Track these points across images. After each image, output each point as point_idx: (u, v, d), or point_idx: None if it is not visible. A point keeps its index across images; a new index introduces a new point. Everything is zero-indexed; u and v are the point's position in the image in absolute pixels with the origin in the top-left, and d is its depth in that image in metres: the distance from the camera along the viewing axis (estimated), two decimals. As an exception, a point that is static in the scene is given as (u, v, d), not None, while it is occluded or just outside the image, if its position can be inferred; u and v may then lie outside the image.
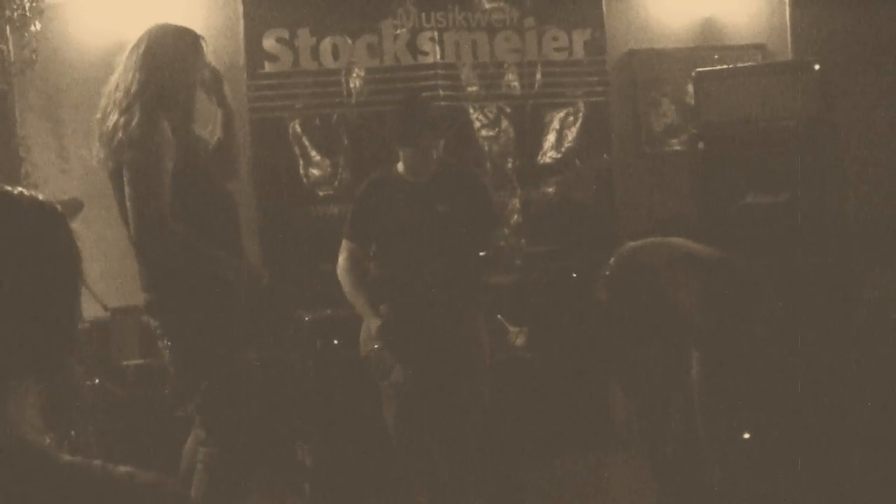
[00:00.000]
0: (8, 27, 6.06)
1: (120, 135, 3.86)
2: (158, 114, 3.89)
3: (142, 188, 3.81)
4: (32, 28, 6.11)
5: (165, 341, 4.04)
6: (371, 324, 4.58)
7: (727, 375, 4.82)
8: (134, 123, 3.84)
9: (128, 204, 3.83)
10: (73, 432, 5.25)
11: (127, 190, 3.83)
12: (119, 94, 3.95)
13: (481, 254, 4.58)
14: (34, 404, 1.46)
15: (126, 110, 3.88)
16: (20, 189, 1.48)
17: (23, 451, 1.41)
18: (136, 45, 4.06)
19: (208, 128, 4.37)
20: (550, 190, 7.27)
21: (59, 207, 1.49)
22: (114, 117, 3.91)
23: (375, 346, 4.56)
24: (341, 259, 4.77)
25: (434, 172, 4.66)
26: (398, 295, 4.57)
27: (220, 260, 3.97)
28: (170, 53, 4.04)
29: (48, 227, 1.46)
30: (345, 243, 4.80)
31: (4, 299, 1.39)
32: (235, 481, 4.18)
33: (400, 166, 4.73)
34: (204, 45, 4.19)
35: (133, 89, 3.92)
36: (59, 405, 5.12)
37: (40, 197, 1.49)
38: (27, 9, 6.06)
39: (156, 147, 3.84)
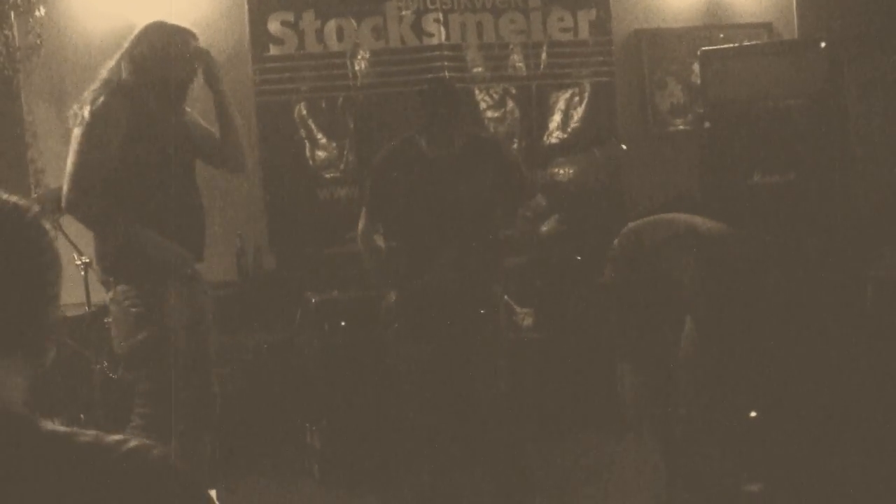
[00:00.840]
0: (13, 13, 6.06)
1: (75, 109, 4.08)
2: (120, 100, 4.02)
3: (74, 159, 3.99)
4: (37, 13, 6.11)
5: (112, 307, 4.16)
6: (388, 296, 4.58)
7: (725, 351, 4.83)
8: (88, 102, 4.02)
9: None
10: (82, 416, 5.28)
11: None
12: (95, 84, 4.12)
13: (507, 232, 4.54)
14: (20, 384, 1.54)
15: (92, 93, 4.06)
16: None
17: (9, 421, 1.48)
18: (128, 41, 4.21)
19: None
20: (557, 170, 7.27)
21: (34, 207, 1.60)
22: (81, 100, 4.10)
23: (395, 325, 4.55)
24: (361, 225, 4.72)
25: (459, 146, 4.59)
26: (416, 274, 4.55)
27: (149, 241, 4.01)
28: (154, 48, 4.13)
29: (18, 226, 1.56)
30: (365, 211, 4.75)
31: None
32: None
33: (423, 140, 4.67)
34: (193, 41, 4.25)
35: (104, 76, 4.12)
36: (66, 389, 5.16)
37: (10, 198, 1.58)
38: (32, -6, 6.07)
39: (100, 126, 3.97)
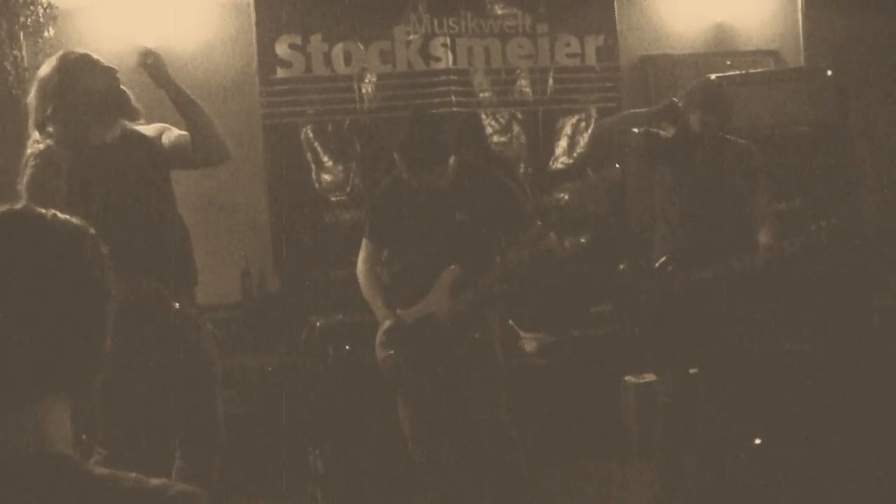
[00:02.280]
0: (22, 33, 6.08)
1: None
2: (48, 160, 3.78)
3: None
4: (46, 34, 6.13)
5: None
6: (383, 324, 4.57)
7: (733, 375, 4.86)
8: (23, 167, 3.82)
9: None
10: (84, 436, 5.26)
11: None
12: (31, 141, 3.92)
13: (497, 259, 4.52)
14: (67, 418, 1.50)
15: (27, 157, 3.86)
16: (53, 212, 1.51)
17: (55, 463, 1.44)
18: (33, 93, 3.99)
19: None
20: (563, 196, 7.27)
21: (91, 230, 1.53)
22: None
23: (390, 352, 4.54)
24: (361, 257, 4.73)
25: (454, 176, 4.57)
26: (413, 300, 4.55)
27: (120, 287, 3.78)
28: (62, 78, 3.87)
29: (79, 249, 1.49)
30: (365, 242, 4.75)
31: (39, 320, 1.42)
32: None
33: (415, 171, 4.62)
34: (77, 60, 3.92)
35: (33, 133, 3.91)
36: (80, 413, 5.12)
37: (73, 220, 1.52)
38: (41, 15, 6.09)
39: (33, 177, 3.76)
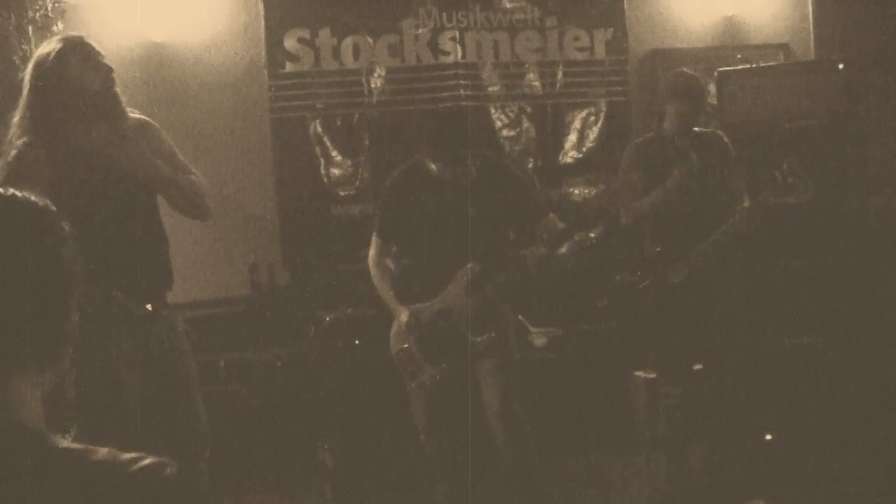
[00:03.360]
0: (30, 27, 6.07)
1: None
2: (29, 155, 3.73)
3: None
4: (55, 28, 6.12)
5: None
6: (399, 319, 4.55)
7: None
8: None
9: None
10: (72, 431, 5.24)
11: None
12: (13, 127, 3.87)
13: (522, 252, 4.50)
14: (37, 395, 1.51)
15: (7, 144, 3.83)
16: (12, 190, 1.52)
17: (22, 435, 1.46)
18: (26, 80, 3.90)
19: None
20: (572, 190, 7.26)
21: (52, 207, 1.54)
22: None
23: (405, 346, 4.53)
24: (372, 251, 4.70)
25: (469, 172, 4.55)
26: (425, 294, 4.53)
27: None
28: (43, 71, 3.78)
29: (41, 226, 1.51)
30: (375, 238, 4.73)
31: (1, 297, 1.45)
32: None
33: (432, 162, 4.60)
34: (78, 49, 3.83)
35: (15, 122, 3.85)
36: (61, 399, 5.11)
37: (33, 198, 1.52)
38: (49, 9, 6.08)
39: (9, 174, 3.70)
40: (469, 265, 4.45)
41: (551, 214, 4.64)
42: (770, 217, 4.97)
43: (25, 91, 3.84)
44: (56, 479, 1.43)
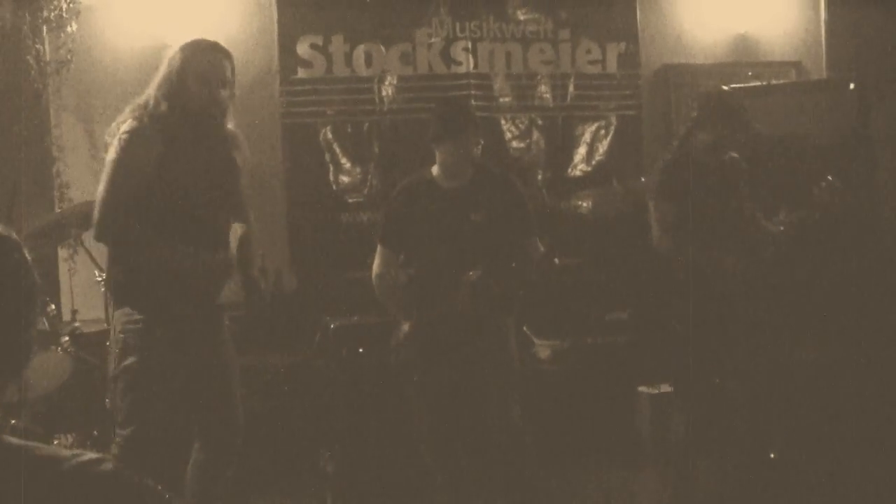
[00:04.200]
0: (45, 27, 6.10)
1: (107, 136, 4.05)
2: (149, 128, 3.93)
3: (104, 187, 3.92)
4: (69, 29, 6.15)
5: (119, 335, 3.99)
6: (402, 327, 4.56)
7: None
8: (118, 129, 3.95)
9: None
10: (95, 432, 5.26)
11: None
12: (129, 108, 4.05)
13: (513, 265, 4.52)
14: None
15: (124, 118, 3.99)
16: None
17: None
18: (164, 63, 4.09)
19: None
20: (581, 203, 7.25)
21: (11, 234, 1.62)
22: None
23: (408, 353, 4.53)
24: (376, 263, 4.74)
25: (470, 177, 4.61)
26: (430, 302, 4.54)
27: (175, 253, 3.91)
28: (187, 73, 3.98)
29: (5, 255, 1.60)
30: (380, 248, 4.76)
31: None
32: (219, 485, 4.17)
33: (435, 170, 4.66)
34: (226, 61, 4.06)
35: (139, 101, 4.03)
36: (81, 405, 5.15)
37: None
38: (64, 10, 6.11)
39: (129, 155, 3.89)
40: (472, 272, 4.47)
41: (537, 239, 4.67)
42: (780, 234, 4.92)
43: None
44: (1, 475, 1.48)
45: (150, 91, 4.00)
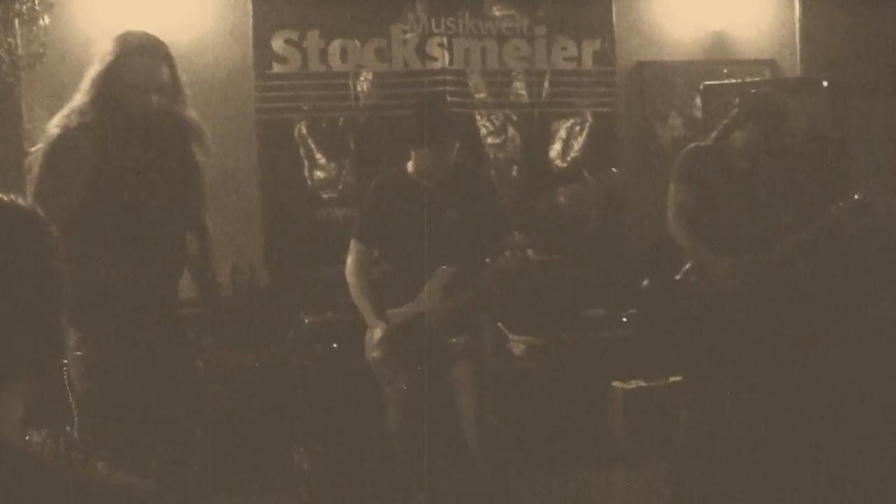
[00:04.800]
0: (17, 21, 6.05)
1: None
2: (73, 129, 3.74)
3: (31, 188, 3.78)
4: (41, 22, 6.10)
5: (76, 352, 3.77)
6: (374, 331, 4.54)
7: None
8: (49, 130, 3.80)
9: None
10: (68, 427, 5.22)
11: None
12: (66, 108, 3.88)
13: (487, 260, 4.52)
14: (17, 407, 1.48)
15: (58, 120, 3.84)
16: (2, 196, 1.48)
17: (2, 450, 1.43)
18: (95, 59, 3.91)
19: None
20: (558, 199, 7.26)
21: (40, 212, 1.50)
22: None
23: (379, 353, 4.52)
24: (350, 260, 4.70)
25: (447, 174, 4.59)
26: (405, 300, 4.53)
27: (99, 271, 3.70)
28: (115, 73, 3.79)
29: (28, 232, 1.47)
30: (353, 244, 4.72)
31: None
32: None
33: (410, 166, 4.65)
34: (159, 62, 3.85)
35: (74, 102, 3.86)
36: (52, 403, 5.09)
37: (20, 201, 1.49)
38: (36, 3, 6.06)
39: (45, 163, 3.73)
40: (444, 267, 4.46)
41: (517, 235, 4.66)
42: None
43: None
44: (35, 496, 1.40)
45: (79, 95, 3.81)
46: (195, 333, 4.23)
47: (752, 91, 5.18)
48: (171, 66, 3.88)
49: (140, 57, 3.79)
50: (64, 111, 3.82)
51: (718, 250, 4.83)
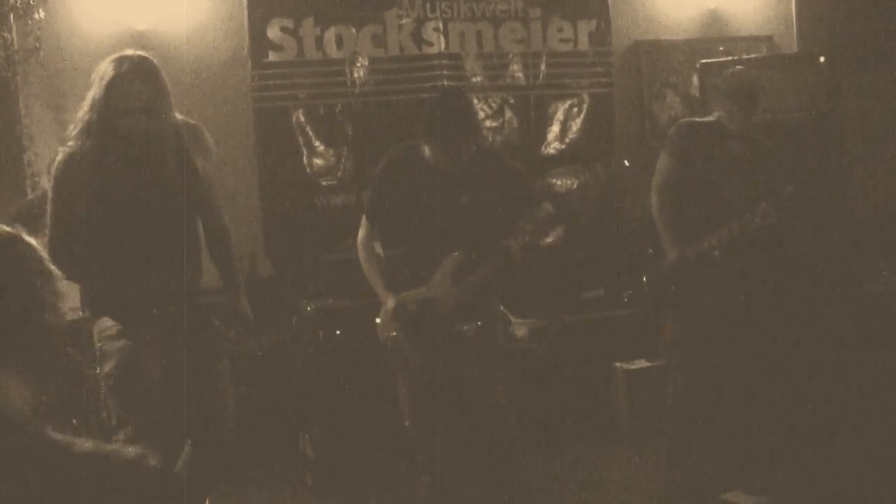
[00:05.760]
0: (12, 15, 6.05)
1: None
2: (76, 150, 3.95)
3: (49, 213, 4.01)
4: (36, 16, 6.10)
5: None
6: (386, 304, 4.52)
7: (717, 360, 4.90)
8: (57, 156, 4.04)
9: None
10: (74, 420, 5.25)
11: None
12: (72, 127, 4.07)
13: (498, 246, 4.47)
14: (20, 389, 1.62)
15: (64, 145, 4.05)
16: None
17: (5, 425, 1.55)
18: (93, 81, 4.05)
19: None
20: (555, 181, 7.28)
21: (21, 237, 1.70)
22: None
23: (393, 333, 4.51)
24: (361, 233, 4.65)
25: (464, 157, 4.44)
26: (415, 283, 4.52)
27: (120, 279, 3.99)
28: (108, 98, 3.92)
29: (12, 254, 1.68)
30: (365, 218, 4.69)
31: None
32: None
33: (427, 149, 4.47)
34: (147, 85, 3.97)
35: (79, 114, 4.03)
36: (63, 396, 5.15)
37: (5, 229, 1.70)
38: (32, -3, 6.06)
39: (56, 183, 3.99)
40: (455, 254, 4.45)
41: (545, 203, 4.62)
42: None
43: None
44: (41, 469, 1.49)
45: (80, 114, 4.00)
46: (220, 322, 4.39)
47: (728, 71, 5.19)
48: (161, 86, 4.03)
49: (131, 81, 3.93)
50: (69, 131, 4.05)
51: (688, 229, 4.86)
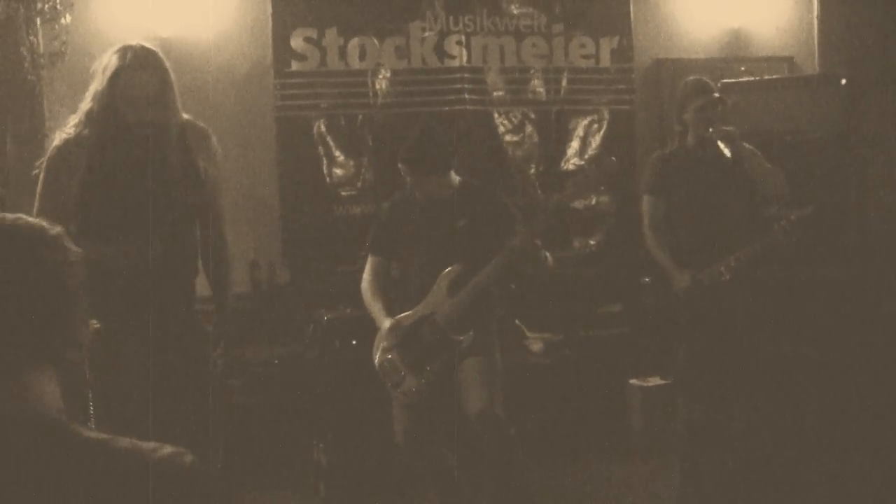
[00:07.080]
0: (38, 19, 6.09)
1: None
2: (70, 141, 3.91)
3: (36, 203, 3.93)
4: (63, 21, 6.15)
5: None
6: (382, 326, 4.58)
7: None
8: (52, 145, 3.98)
9: None
10: (90, 424, 5.26)
11: None
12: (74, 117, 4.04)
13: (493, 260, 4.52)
14: (55, 388, 1.62)
15: (61, 133, 4.00)
16: (14, 215, 1.69)
17: (43, 423, 1.55)
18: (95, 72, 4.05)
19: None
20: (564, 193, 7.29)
21: (53, 231, 1.69)
22: None
23: (388, 356, 4.56)
24: (365, 273, 4.80)
25: (452, 191, 4.64)
26: (415, 304, 4.57)
27: (103, 254, 3.78)
28: (113, 88, 3.90)
29: (45, 248, 1.66)
30: (369, 258, 4.83)
31: (6, 308, 1.58)
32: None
33: (418, 188, 4.70)
34: (154, 76, 3.93)
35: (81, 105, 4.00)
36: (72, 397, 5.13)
37: (35, 223, 1.68)
38: (58, 1, 6.10)
39: (52, 174, 3.91)
40: (450, 267, 4.50)
41: (523, 234, 4.65)
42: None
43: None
44: (78, 468, 1.50)
45: (82, 105, 3.97)
46: (212, 327, 4.27)
47: (684, 81, 5.28)
48: (167, 78, 3.97)
49: (136, 71, 3.90)
50: (68, 121, 4.00)
51: (687, 257, 4.88)
